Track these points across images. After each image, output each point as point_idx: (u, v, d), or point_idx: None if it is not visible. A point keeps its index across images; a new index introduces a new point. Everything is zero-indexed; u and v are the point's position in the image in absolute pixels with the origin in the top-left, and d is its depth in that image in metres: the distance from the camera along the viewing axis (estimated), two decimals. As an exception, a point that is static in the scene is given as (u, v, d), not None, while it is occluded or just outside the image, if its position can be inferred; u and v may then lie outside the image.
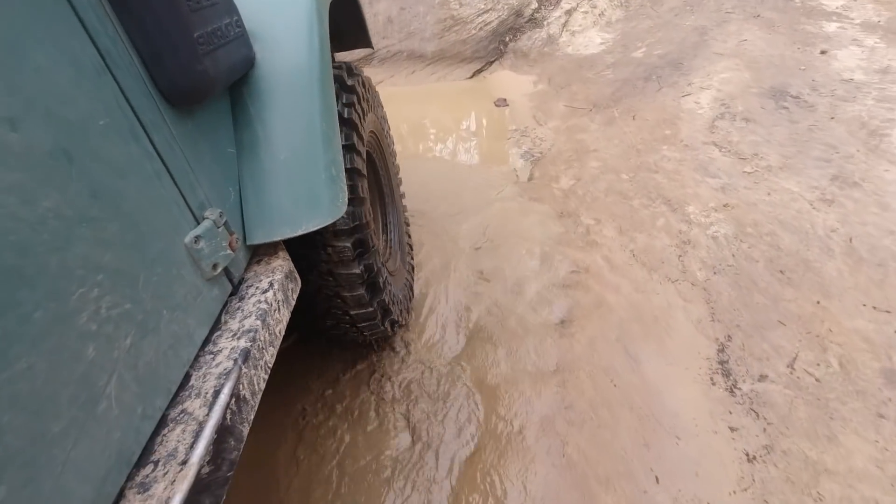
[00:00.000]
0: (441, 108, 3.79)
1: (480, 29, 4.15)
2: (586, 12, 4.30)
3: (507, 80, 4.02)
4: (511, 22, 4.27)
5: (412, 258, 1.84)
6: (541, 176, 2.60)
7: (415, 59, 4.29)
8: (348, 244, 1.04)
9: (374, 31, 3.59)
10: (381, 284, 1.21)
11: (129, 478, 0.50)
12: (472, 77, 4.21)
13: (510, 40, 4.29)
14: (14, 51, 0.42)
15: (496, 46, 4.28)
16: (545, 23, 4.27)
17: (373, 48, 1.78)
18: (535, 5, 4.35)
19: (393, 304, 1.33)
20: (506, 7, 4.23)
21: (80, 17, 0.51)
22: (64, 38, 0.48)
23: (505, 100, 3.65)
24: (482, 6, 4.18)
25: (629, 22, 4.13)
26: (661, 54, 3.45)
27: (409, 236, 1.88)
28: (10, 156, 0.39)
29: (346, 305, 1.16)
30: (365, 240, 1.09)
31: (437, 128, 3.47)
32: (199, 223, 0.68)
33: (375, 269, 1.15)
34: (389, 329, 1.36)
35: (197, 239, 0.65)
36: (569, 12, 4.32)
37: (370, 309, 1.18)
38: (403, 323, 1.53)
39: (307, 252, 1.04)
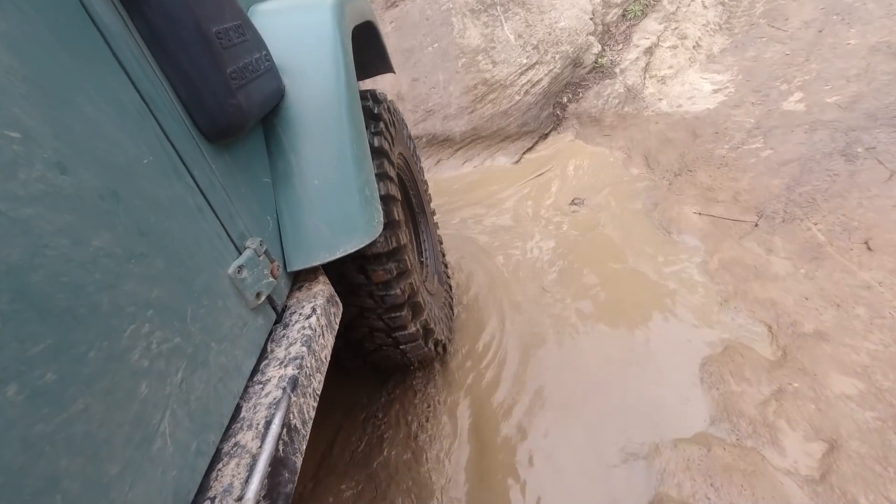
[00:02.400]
0: (474, 223, 2.37)
1: (526, 92, 2.87)
2: (674, 47, 2.96)
3: (575, 157, 2.70)
4: (568, 76, 2.97)
5: (449, 277, 1.81)
6: (746, 430, 1.18)
7: (438, 144, 3.04)
8: (388, 266, 1.04)
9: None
10: (422, 304, 1.20)
11: None
12: (519, 160, 2.87)
13: (570, 100, 2.99)
14: (62, 99, 0.43)
15: (551, 112, 2.97)
16: (617, 70, 2.94)
17: (394, 72, 1.81)
18: (597, 48, 3.03)
19: (435, 323, 1.30)
20: (557, 56, 2.90)
21: (122, 65, 0.53)
22: (108, 85, 0.50)
23: (581, 199, 2.32)
24: (524, 60, 2.87)
25: (743, 51, 2.78)
26: (844, 102, 2.06)
27: (444, 255, 1.86)
28: (60, 198, 0.40)
29: (389, 327, 1.15)
30: (403, 260, 1.09)
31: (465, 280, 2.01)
32: (240, 253, 0.68)
33: (415, 288, 1.14)
34: (433, 350, 1.33)
35: (240, 269, 0.66)
36: (648, 51, 2.98)
37: (413, 329, 1.17)
38: (446, 342, 1.50)
39: (349, 277, 1.04)
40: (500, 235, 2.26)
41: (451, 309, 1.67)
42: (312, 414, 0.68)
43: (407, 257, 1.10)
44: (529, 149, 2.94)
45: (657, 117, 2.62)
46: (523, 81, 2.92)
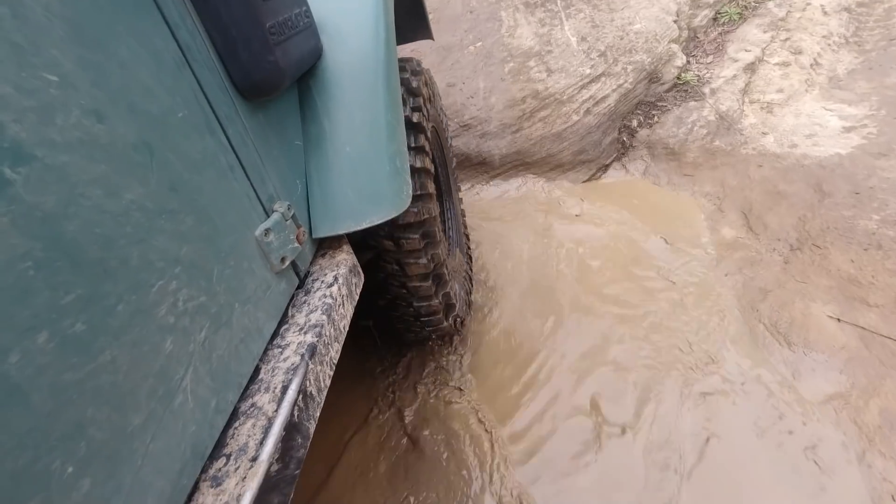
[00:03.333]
0: (512, 274, 1.76)
1: (587, 112, 2.19)
2: (785, 64, 2.18)
3: (641, 199, 2.05)
4: (641, 93, 2.29)
5: (470, 255, 1.80)
6: None
7: (473, 167, 2.34)
8: (417, 236, 1.03)
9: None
10: (446, 277, 1.20)
11: (204, 469, 0.50)
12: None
13: (642, 125, 2.29)
14: (100, 46, 0.42)
15: (616, 138, 2.30)
16: (706, 90, 2.22)
17: (433, 39, 1.74)
18: (680, 60, 2.33)
19: (456, 298, 1.30)
20: (630, 68, 2.24)
21: (162, 13, 0.51)
22: (147, 34, 0.48)
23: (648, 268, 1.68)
24: (586, 70, 2.22)
25: (882, 75, 2.05)
26: None
27: (466, 227, 1.84)
28: (96, 148, 0.39)
29: (412, 297, 1.15)
30: (432, 232, 1.08)
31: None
32: (268, 216, 0.68)
33: (441, 260, 1.14)
34: (453, 325, 1.34)
35: (267, 232, 0.65)
36: (750, 67, 2.24)
37: (435, 301, 1.17)
38: (465, 319, 1.50)
39: (376, 243, 1.04)
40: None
41: (471, 283, 1.67)
42: (328, 382, 0.68)
43: (436, 229, 1.10)
44: (584, 182, 2.28)
45: (761, 158, 1.88)
46: (584, 97, 2.23)
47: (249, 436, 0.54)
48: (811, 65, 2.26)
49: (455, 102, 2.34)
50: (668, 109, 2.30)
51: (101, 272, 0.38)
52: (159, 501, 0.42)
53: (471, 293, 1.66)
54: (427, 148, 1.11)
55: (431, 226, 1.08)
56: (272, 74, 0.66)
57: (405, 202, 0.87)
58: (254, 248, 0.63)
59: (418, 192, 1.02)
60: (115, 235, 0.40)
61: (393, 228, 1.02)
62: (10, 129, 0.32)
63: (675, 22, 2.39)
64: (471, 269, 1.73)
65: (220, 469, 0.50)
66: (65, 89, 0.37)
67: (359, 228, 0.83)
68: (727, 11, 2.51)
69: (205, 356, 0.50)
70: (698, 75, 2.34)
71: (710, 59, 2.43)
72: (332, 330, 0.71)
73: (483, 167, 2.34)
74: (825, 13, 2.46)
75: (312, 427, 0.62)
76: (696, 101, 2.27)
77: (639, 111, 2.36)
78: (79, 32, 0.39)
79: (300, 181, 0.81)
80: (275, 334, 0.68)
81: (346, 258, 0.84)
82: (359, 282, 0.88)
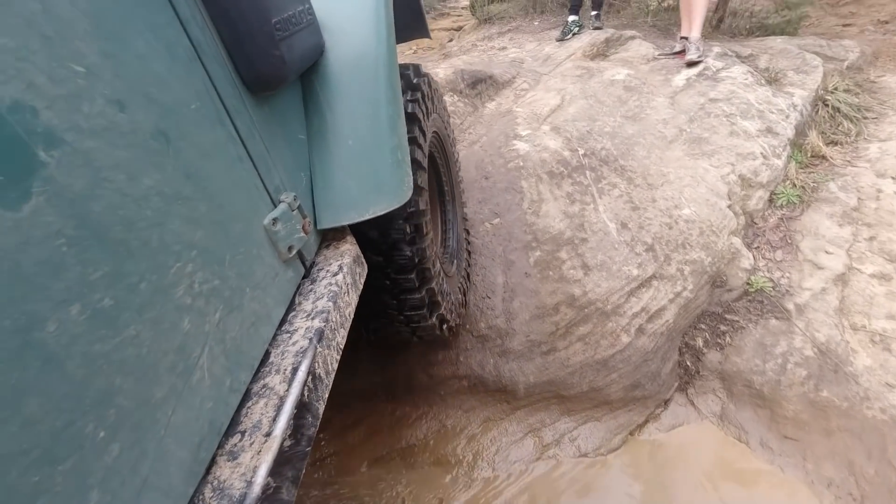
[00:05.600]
0: None
1: (639, 331, 1.64)
2: (885, 277, 1.70)
3: (723, 470, 1.42)
4: (703, 302, 1.78)
5: (469, 268, 1.78)
6: None
7: (486, 394, 1.69)
8: (403, 226, 1.03)
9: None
10: (433, 274, 1.18)
11: (220, 445, 0.52)
12: (620, 447, 1.55)
13: (708, 345, 1.74)
14: (119, 39, 0.44)
15: (677, 361, 1.72)
16: (790, 305, 1.70)
17: (430, 37, 1.76)
18: (748, 260, 1.84)
19: (443, 298, 1.29)
20: (687, 269, 1.74)
21: (175, 8, 0.53)
22: (161, 28, 0.50)
23: None
24: (633, 270, 1.70)
25: None
26: None
27: (469, 244, 1.84)
28: (118, 135, 0.41)
29: (396, 288, 1.15)
30: (419, 225, 1.07)
31: None
32: (275, 206, 0.70)
33: (426, 256, 1.13)
34: (438, 326, 1.32)
35: (274, 221, 0.67)
36: (841, 279, 1.73)
37: (418, 296, 1.16)
38: (454, 324, 1.48)
39: (363, 231, 1.03)
40: None
41: (465, 297, 1.66)
42: (335, 366, 0.70)
43: (424, 223, 1.08)
44: (640, 427, 1.60)
45: (887, 426, 1.34)
46: (634, 309, 1.64)
47: (262, 414, 0.56)
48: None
49: (468, 303, 1.72)
50: (743, 327, 1.71)
51: (125, 252, 0.40)
52: (181, 470, 0.45)
53: (465, 304, 1.65)
54: (421, 141, 1.11)
55: (419, 219, 1.06)
56: (277, 69, 0.68)
57: (407, 193, 0.89)
58: (262, 237, 0.65)
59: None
60: (136, 218, 0.42)
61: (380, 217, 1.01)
62: (43, 115, 0.34)
63: (728, 207, 1.92)
64: (469, 281, 1.72)
65: (235, 444, 0.53)
66: (90, 79, 0.39)
67: (362, 219, 0.85)
68: (783, 192, 2.08)
69: (219, 337, 0.53)
70: (772, 279, 1.79)
71: (778, 255, 1.89)
72: (338, 316, 0.74)
73: (502, 395, 1.66)
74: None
75: (322, 407, 0.64)
76: (778, 318, 1.68)
77: (703, 325, 1.76)
78: (100, 26, 0.42)
79: (305, 174, 0.83)
80: (283, 321, 0.70)
81: (349, 248, 0.87)
82: (362, 272, 0.90)
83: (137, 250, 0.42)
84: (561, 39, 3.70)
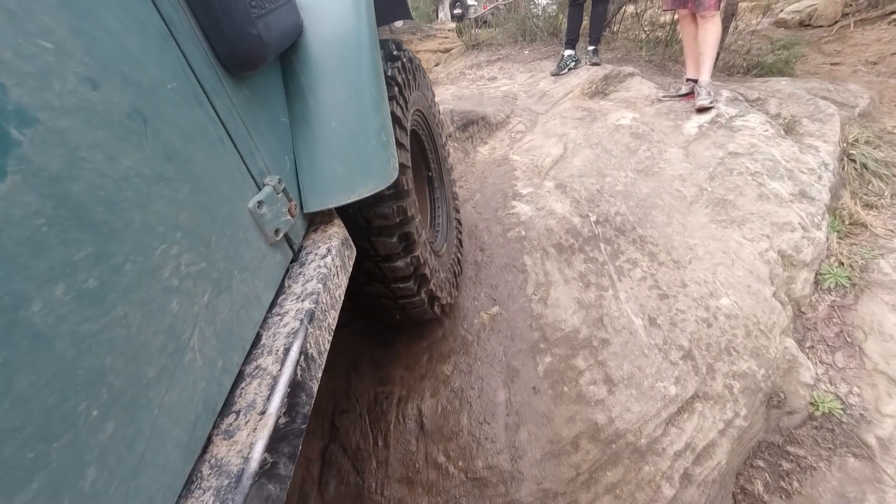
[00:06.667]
0: None
1: (686, 478, 1.20)
2: None
3: None
4: (759, 430, 1.40)
5: (461, 241, 1.74)
6: None
7: None
8: (387, 210, 1.01)
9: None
10: (419, 250, 1.14)
11: (215, 425, 0.53)
12: None
13: (769, 489, 1.31)
14: (88, 14, 0.43)
15: None
16: (870, 439, 1.33)
17: (412, 18, 1.73)
18: (808, 371, 1.48)
19: (433, 277, 1.26)
20: (736, 385, 1.34)
21: None
22: (130, 3, 0.49)
23: None
24: (670, 387, 1.30)
25: None
26: None
27: (460, 224, 1.78)
28: (93, 114, 0.41)
29: (385, 276, 1.13)
30: (403, 207, 1.04)
31: None
32: (260, 189, 0.69)
33: (413, 239, 1.11)
34: (428, 305, 1.30)
35: (260, 204, 0.67)
36: None
37: (409, 283, 1.15)
38: (445, 301, 1.45)
39: (349, 216, 1.01)
40: None
41: (456, 277, 1.63)
42: (327, 346, 0.71)
43: (407, 205, 1.05)
44: None
45: None
46: (677, 446, 1.24)
47: (256, 393, 0.56)
48: None
49: (453, 428, 1.31)
50: (813, 467, 1.33)
51: (108, 232, 0.40)
52: (177, 448, 0.45)
53: (457, 284, 1.63)
54: (400, 115, 1.08)
55: (402, 199, 1.02)
56: (255, 48, 0.67)
57: (392, 174, 0.89)
58: (248, 220, 0.65)
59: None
60: (118, 199, 0.42)
61: (362, 202, 0.94)
62: (13, 93, 0.34)
63: (773, 295, 1.56)
64: (461, 255, 1.71)
65: (231, 424, 0.53)
66: (59, 56, 0.38)
67: (348, 201, 0.85)
68: (829, 272, 1.80)
69: (209, 318, 0.53)
70: (838, 396, 1.45)
71: (839, 358, 1.56)
72: (328, 298, 0.74)
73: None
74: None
75: (315, 387, 0.65)
76: (857, 457, 1.31)
77: (760, 460, 1.36)
78: (67, 0, 0.40)
79: (289, 157, 0.82)
80: (273, 304, 0.70)
81: (337, 231, 0.87)
82: (351, 254, 0.90)
83: (120, 231, 0.42)
84: (556, 74, 3.53)
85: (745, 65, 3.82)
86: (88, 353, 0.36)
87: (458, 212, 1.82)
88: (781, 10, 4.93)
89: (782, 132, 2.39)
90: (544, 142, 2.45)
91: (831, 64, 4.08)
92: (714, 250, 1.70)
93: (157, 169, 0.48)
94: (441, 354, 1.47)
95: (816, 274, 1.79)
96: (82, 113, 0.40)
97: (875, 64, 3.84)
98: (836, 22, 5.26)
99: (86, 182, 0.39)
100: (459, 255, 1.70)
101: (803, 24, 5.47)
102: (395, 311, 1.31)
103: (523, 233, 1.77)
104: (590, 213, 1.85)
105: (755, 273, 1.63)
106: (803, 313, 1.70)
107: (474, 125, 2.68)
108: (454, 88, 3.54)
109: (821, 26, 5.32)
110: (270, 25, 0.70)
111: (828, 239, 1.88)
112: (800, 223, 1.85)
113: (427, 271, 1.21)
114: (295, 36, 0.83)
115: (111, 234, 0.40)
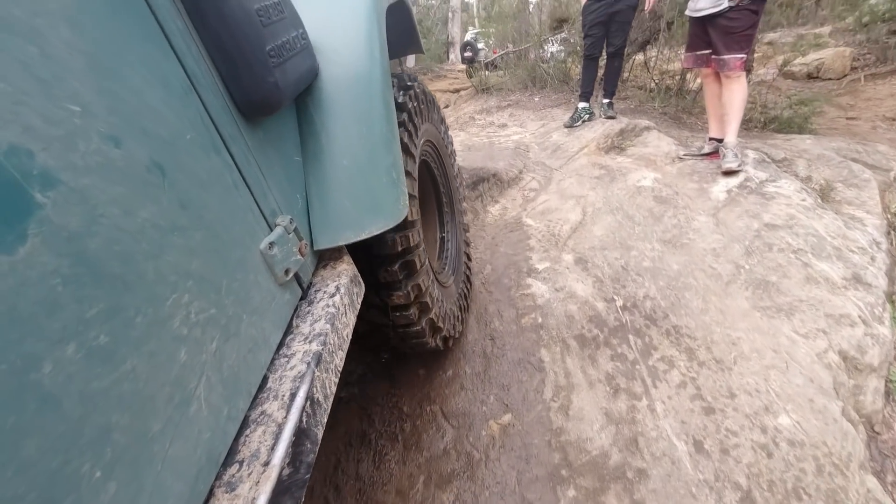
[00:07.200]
0: None
1: None
2: None
3: None
4: None
5: (469, 283, 1.69)
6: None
7: None
8: (391, 239, 1.01)
9: None
10: (422, 276, 1.13)
11: (217, 476, 0.52)
12: None
13: None
14: (115, 75, 0.45)
15: None
16: None
17: (423, 52, 1.79)
18: None
19: (435, 306, 1.23)
20: None
21: (169, 41, 0.54)
22: (156, 61, 0.51)
23: None
24: None
25: None
26: None
27: (469, 258, 1.75)
28: (114, 171, 0.42)
29: (385, 305, 1.10)
30: (406, 237, 1.03)
31: None
32: (271, 230, 0.70)
33: (416, 268, 1.09)
34: (430, 337, 1.26)
35: (271, 245, 0.68)
36: None
37: (411, 311, 1.12)
38: (450, 337, 1.41)
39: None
40: None
41: (462, 312, 1.59)
42: (334, 389, 0.70)
43: (410, 235, 1.04)
44: None
45: None
46: None
47: (261, 442, 0.55)
48: None
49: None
50: None
51: (121, 286, 0.41)
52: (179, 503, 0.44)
53: (463, 320, 1.61)
54: (408, 140, 1.08)
55: (406, 230, 1.01)
56: (272, 94, 0.69)
57: (403, 212, 0.90)
58: (259, 262, 0.65)
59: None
60: (133, 252, 0.43)
61: None
62: (39, 158, 0.35)
63: (842, 412, 1.26)
64: (468, 292, 1.69)
65: (233, 475, 0.52)
66: (86, 118, 0.40)
67: (358, 239, 0.85)
68: None
69: (216, 365, 0.53)
70: None
71: None
72: (335, 338, 0.74)
73: None
74: None
75: (320, 433, 0.63)
76: None
77: None
78: (96, 63, 0.42)
79: (300, 195, 0.84)
80: (281, 344, 0.70)
81: (346, 268, 0.87)
82: (360, 291, 0.90)
83: (133, 284, 0.42)
84: (570, 126, 3.49)
85: (762, 119, 3.75)
86: (96, 410, 0.36)
87: (468, 245, 1.82)
88: (787, 63, 4.95)
89: (820, 201, 2.18)
90: (560, 204, 2.30)
91: (847, 118, 3.99)
92: (762, 347, 1.44)
93: (171, 219, 0.48)
94: (441, 477, 1.22)
95: (886, 381, 1.44)
96: (103, 170, 0.41)
97: (894, 120, 3.75)
98: (845, 76, 5.24)
99: (102, 238, 0.39)
100: (467, 290, 1.69)
101: (811, 77, 5.45)
102: (395, 340, 1.24)
103: (540, 320, 1.56)
104: (615, 297, 1.64)
105: (816, 381, 1.33)
106: (878, 434, 1.33)
107: (485, 182, 2.51)
108: (463, 136, 3.42)
109: (829, 79, 5.30)
110: (288, 72, 0.73)
111: (893, 335, 1.54)
112: (859, 316, 1.53)
113: (429, 300, 1.18)
114: (311, 79, 0.86)
115: (124, 288, 0.41)
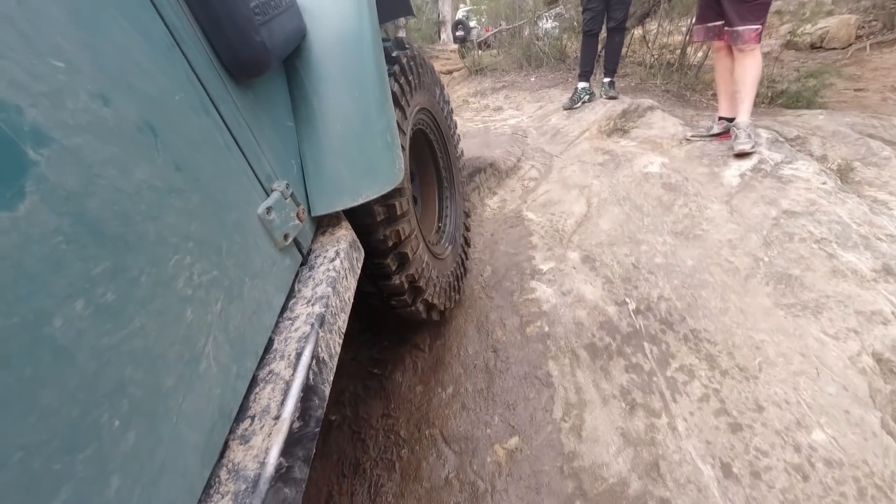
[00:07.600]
0: None
1: None
2: None
3: None
4: None
5: (466, 255, 1.65)
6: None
7: None
8: (376, 209, 0.97)
9: None
10: (411, 257, 1.08)
11: (231, 431, 0.54)
12: None
13: None
14: (96, 28, 0.43)
15: None
16: None
17: (414, 16, 1.72)
18: None
19: (423, 273, 1.18)
20: None
21: None
22: (135, 15, 0.49)
23: None
24: None
25: None
26: None
27: (468, 229, 1.69)
28: (105, 130, 0.41)
29: (372, 273, 1.07)
30: (393, 206, 0.99)
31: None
32: (268, 195, 0.70)
33: (402, 238, 1.05)
34: (423, 311, 1.24)
35: (269, 210, 0.67)
36: None
37: (397, 282, 1.07)
38: (438, 306, 1.34)
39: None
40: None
41: (458, 281, 1.54)
42: (338, 349, 0.72)
43: (398, 204, 1.00)
44: None
45: None
46: None
47: (270, 398, 0.57)
48: None
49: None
50: None
51: (123, 247, 0.41)
52: (196, 454, 0.46)
53: (460, 289, 1.58)
54: (400, 121, 1.04)
55: (393, 198, 0.97)
56: (259, 54, 0.67)
57: (399, 176, 0.89)
58: (257, 226, 0.65)
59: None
60: (132, 212, 0.43)
61: None
62: (28, 113, 0.34)
63: (882, 425, 1.13)
64: (464, 266, 1.64)
65: (246, 429, 0.54)
66: (71, 74, 0.39)
67: (355, 204, 0.85)
68: None
69: (222, 326, 0.54)
70: None
71: None
72: (337, 301, 0.75)
73: None
74: None
75: (327, 390, 0.65)
76: None
77: None
78: (75, 16, 0.41)
79: (295, 161, 0.83)
80: (284, 308, 0.71)
81: (345, 234, 0.87)
82: (359, 256, 0.91)
83: (135, 244, 0.42)
84: (569, 108, 3.27)
85: (769, 94, 3.52)
86: (109, 365, 0.37)
87: (468, 216, 1.79)
88: (795, 33, 4.62)
89: (840, 184, 1.99)
90: (563, 195, 2.13)
91: (855, 90, 3.77)
92: (788, 351, 1.29)
93: (168, 180, 0.48)
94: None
95: (926, 385, 1.31)
96: (95, 129, 0.40)
97: (905, 92, 3.50)
98: (851, 44, 4.97)
99: (101, 198, 0.39)
100: (464, 256, 1.67)
101: (814, 47, 5.16)
102: (383, 307, 1.20)
103: (546, 328, 1.42)
104: (627, 299, 1.50)
105: (850, 389, 1.19)
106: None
107: (481, 173, 2.37)
108: (458, 121, 3.33)
109: (834, 49, 5.01)
110: (274, 31, 0.71)
111: (930, 333, 1.38)
112: (893, 312, 1.38)
113: (423, 283, 1.16)
114: (298, 40, 0.84)
115: (126, 248, 0.41)
